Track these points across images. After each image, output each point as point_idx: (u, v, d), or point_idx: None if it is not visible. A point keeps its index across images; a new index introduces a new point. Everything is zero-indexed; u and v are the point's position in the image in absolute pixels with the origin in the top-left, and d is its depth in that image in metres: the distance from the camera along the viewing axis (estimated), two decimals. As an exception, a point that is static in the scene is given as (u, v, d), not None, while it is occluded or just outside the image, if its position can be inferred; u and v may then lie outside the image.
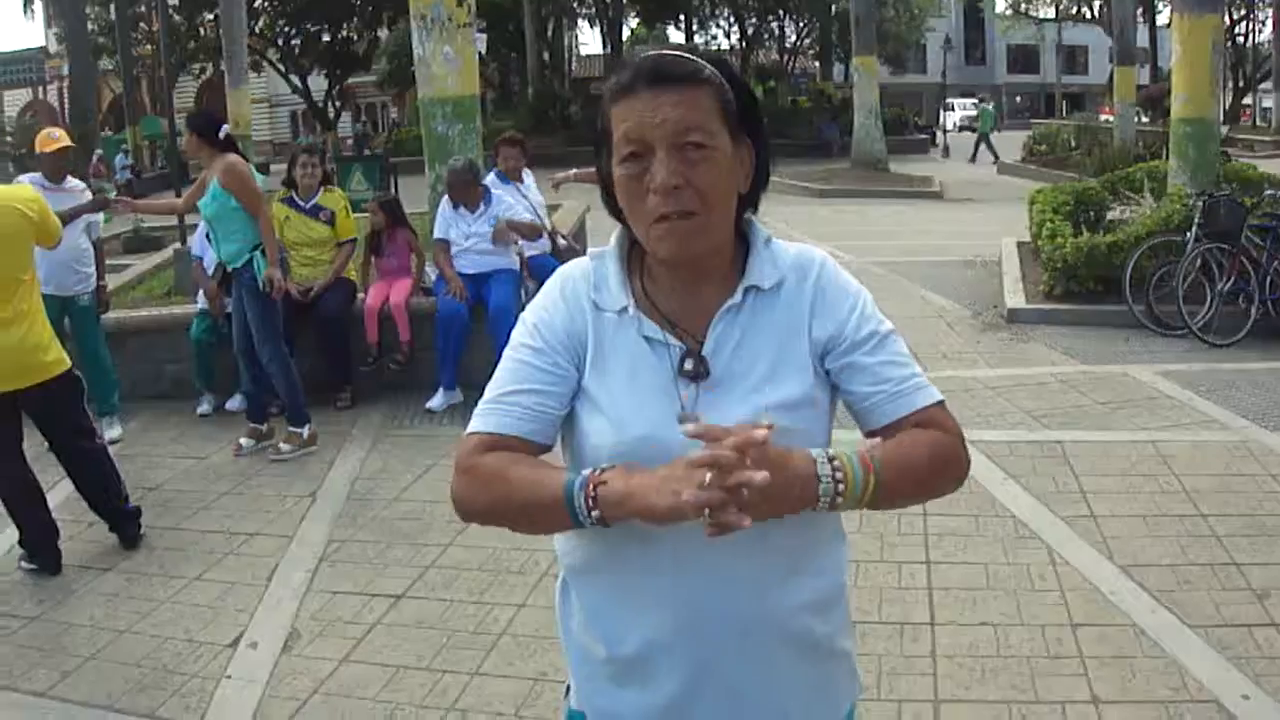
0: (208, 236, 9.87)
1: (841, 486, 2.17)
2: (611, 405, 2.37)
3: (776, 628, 2.44)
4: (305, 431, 9.52)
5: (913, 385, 2.42)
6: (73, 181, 10.08)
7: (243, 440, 9.62)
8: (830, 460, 2.19)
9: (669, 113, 2.23)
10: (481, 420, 2.40)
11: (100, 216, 10.55)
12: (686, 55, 2.32)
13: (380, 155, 25.80)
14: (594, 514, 2.17)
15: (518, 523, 2.33)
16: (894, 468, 2.25)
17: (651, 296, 2.44)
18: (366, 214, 11.84)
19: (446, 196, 11.00)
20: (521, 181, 11.85)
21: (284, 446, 9.45)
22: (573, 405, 2.43)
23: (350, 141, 51.76)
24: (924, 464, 2.32)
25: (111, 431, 10.07)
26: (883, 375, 2.42)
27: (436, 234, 10.99)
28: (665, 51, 2.29)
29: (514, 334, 2.48)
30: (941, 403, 2.45)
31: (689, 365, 2.36)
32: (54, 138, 9.80)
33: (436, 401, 10.39)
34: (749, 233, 2.48)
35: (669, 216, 2.25)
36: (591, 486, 2.18)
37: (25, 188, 7.99)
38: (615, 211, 2.42)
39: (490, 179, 11.44)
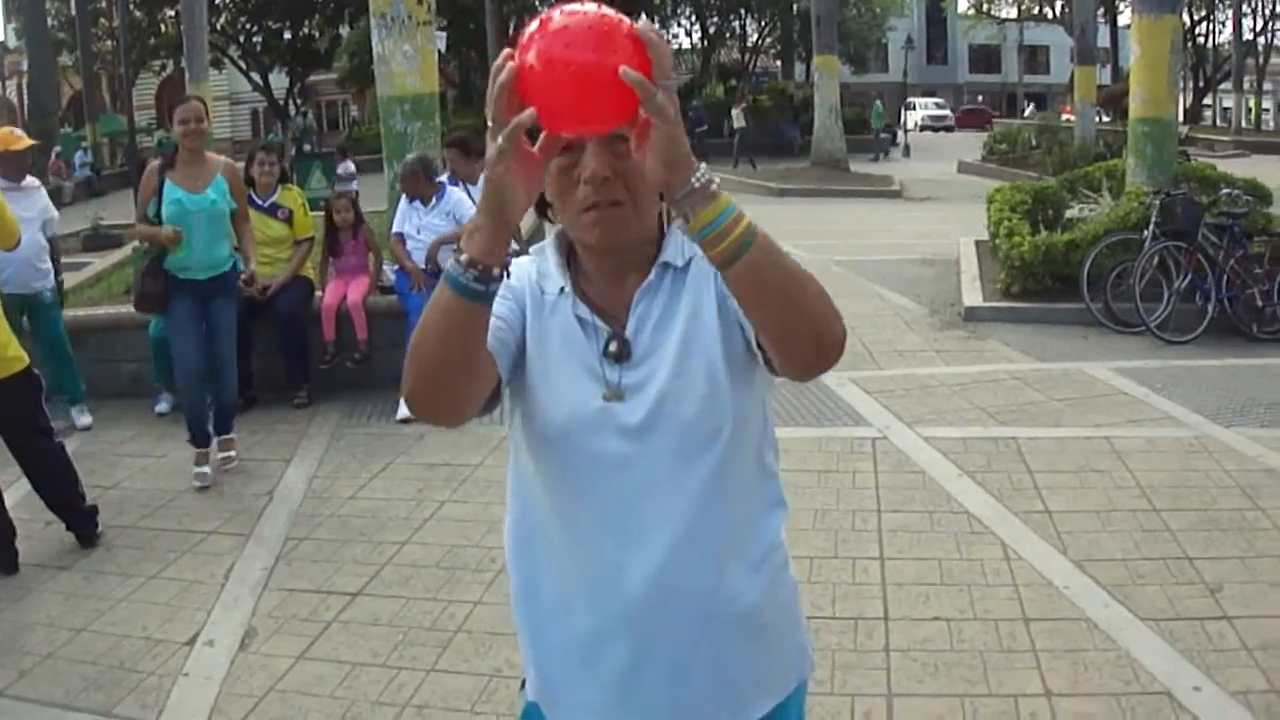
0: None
1: (714, 190, 2.10)
2: (545, 379, 2.47)
3: (720, 601, 2.50)
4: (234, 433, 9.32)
5: None
6: (30, 180, 10.06)
7: (206, 469, 8.82)
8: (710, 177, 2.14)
9: None
10: None
11: (56, 214, 10.52)
12: None
13: (340, 153, 25.77)
14: (463, 259, 2.14)
15: (437, 346, 2.23)
16: (769, 241, 2.17)
17: (582, 288, 2.52)
18: (322, 213, 11.76)
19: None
20: (475, 182, 11.74)
21: (233, 454, 9.17)
22: (515, 379, 2.50)
23: (292, 137, 50.89)
24: (801, 269, 2.24)
25: (83, 419, 10.28)
26: None
27: (394, 228, 11.00)
28: None
29: None
30: None
31: (613, 347, 2.46)
32: (18, 135, 9.79)
33: (408, 410, 10.17)
34: (668, 227, 2.55)
35: (598, 205, 2.34)
36: (455, 252, 2.19)
37: None
38: (542, 210, 2.51)
39: (445, 179, 11.40)
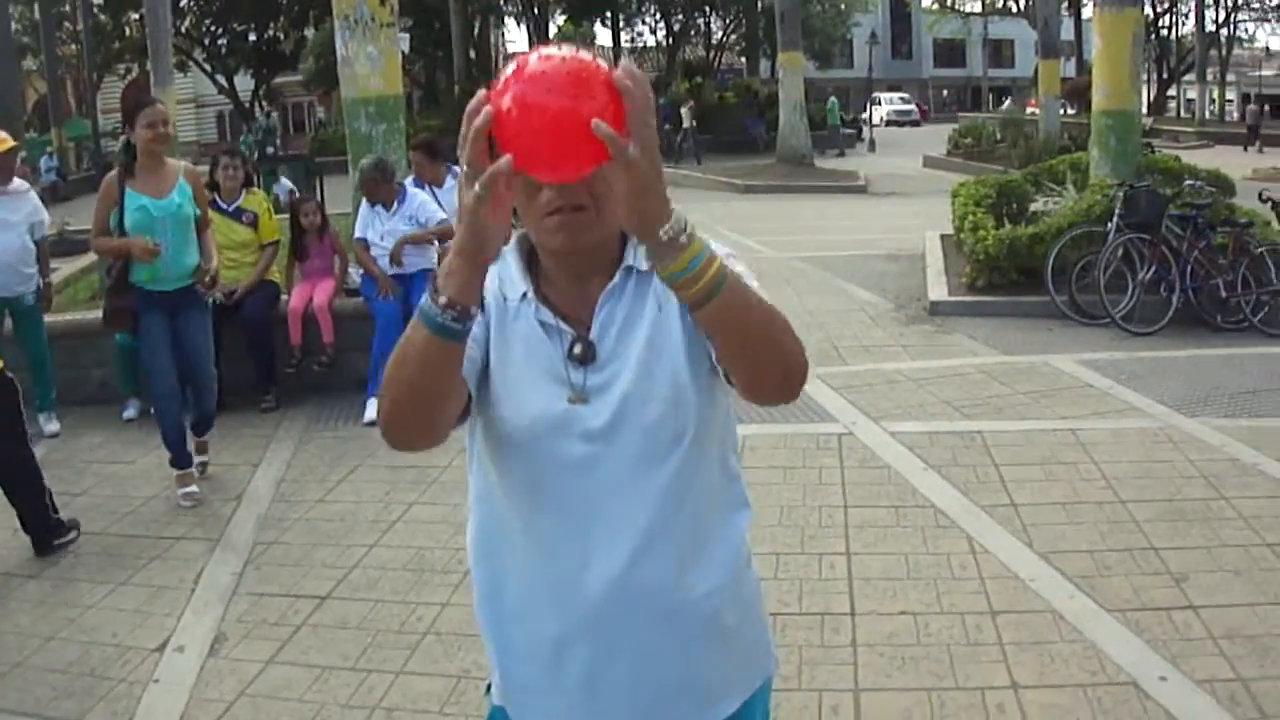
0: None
1: (686, 237, 2.09)
2: (509, 387, 2.47)
3: (683, 602, 2.52)
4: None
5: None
6: (18, 182, 10.05)
7: (194, 489, 8.55)
8: (686, 221, 2.12)
9: None
10: None
11: (45, 216, 10.49)
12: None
13: (306, 156, 25.71)
14: (441, 300, 2.15)
15: (412, 380, 2.25)
16: (740, 283, 2.19)
17: (545, 291, 2.52)
18: (286, 216, 11.72)
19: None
20: (441, 184, 11.70)
21: (206, 458, 9.07)
22: (479, 389, 2.50)
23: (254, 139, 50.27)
24: (766, 306, 2.26)
25: (50, 425, 10.25)
26: None
27: (356, 233, 10.89)
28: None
29: None
30: None
31: (578, 350, 2.46)
32: (1, 138, 9.76)
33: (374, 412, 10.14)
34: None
35: (561, 210, 2.34)
36: (431, 291, 2.18)
37: None
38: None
39: (409, 181, 11.36)
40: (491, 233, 2.11)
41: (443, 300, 2.14)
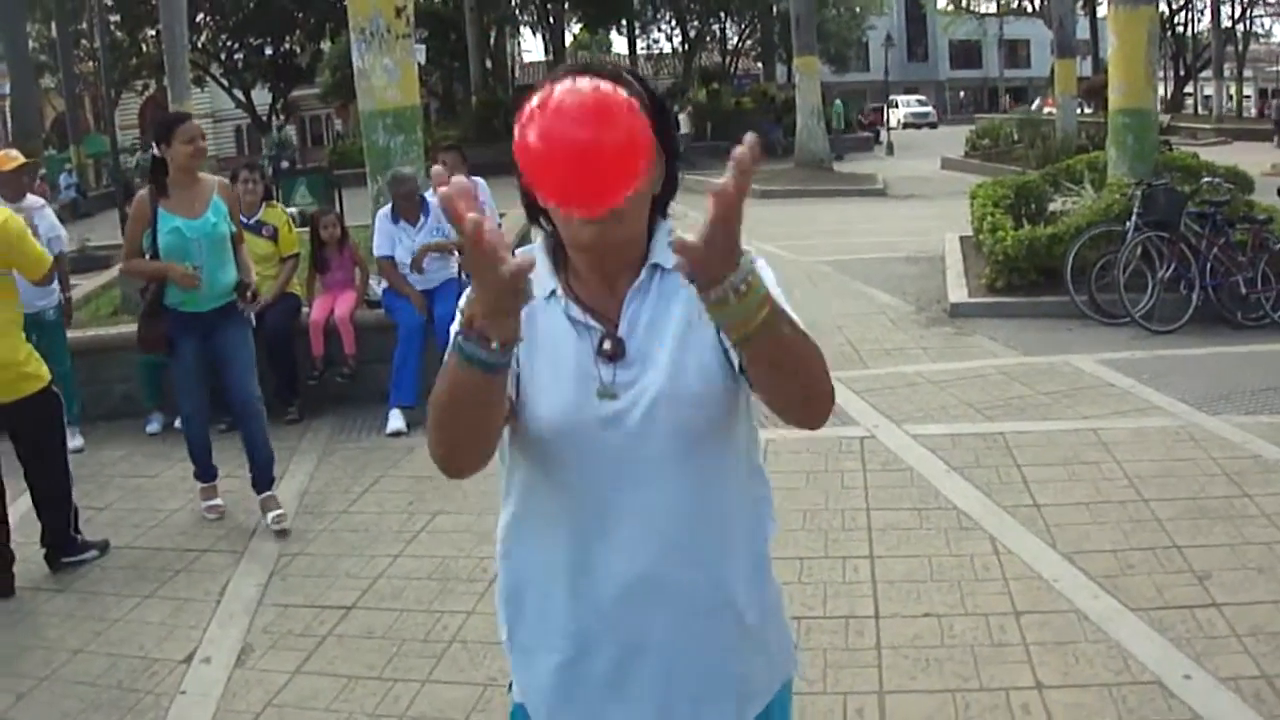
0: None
1: (745, 286, 2.07)
2: (540, 385, 2.47)
3: (710, 601, 2.54)
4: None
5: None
6: (31, 199, 10.11)
7: (217, 502, 8.46)
8: (752, 264, 2.11)
9: None
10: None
11: (63, 231, 10.54)
12: (610, 63, 2.49)
13: (325, 169, 25.75)
14: (493, 345, 2.13)
15: (462, 418, 2.29)
16: (786, 318, 2.23)
17: (573, 288, 2.53)
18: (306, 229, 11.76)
19: (387, 210, 10.86)
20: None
21: (283, 510, 8.23)
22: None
23: (266, 154, 49.84)
24: (807, 341, 2.29)
25: (74, 441, 10.14)
26: None
27: (381, 251, 10.77)
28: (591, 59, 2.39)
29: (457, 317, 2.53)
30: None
31: (607, 346, 2.47)
32: (11, 156, 9.80)
33: (399, 423, 10.15)
34: (656, 228, 2.57)
35: None
36: (465, 323, 2.16)
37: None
38: (529, 207, 2.54)
39: (429, 194, 11.35)
40: (509, 295, 2.07)
41: (494, 345, 2.12)
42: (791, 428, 2.53)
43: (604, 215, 2.17)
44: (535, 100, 2.06)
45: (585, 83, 2.07)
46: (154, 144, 8.03)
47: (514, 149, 2.05)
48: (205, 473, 8.49)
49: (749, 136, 1.99)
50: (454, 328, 2.21)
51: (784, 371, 2.29)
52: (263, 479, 8.29)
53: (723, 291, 2.06)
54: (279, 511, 8.17)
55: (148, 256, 7.93)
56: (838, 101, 53.73)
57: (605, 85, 2.07)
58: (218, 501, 8.47)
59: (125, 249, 8.25)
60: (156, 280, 7.96)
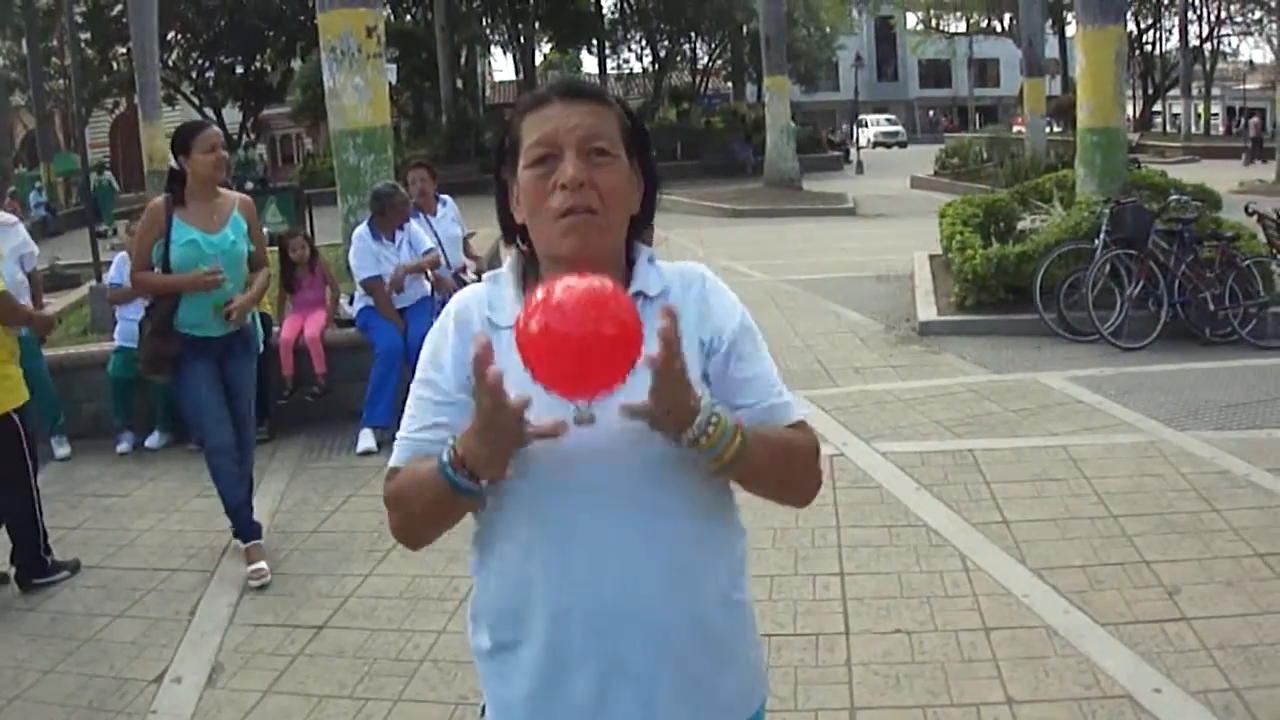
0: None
1: (712, 428, 2.28)
2: None
3: (685, 625, 2.53)
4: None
5: (784, 402, 2.58)
6: (4, 217, 10.12)
7: (261, 566, 7.50)
8: (712, 406, 2.32)
9: (580, 120, 2.46)
10: (396, 455, 2.63)
11: (34, 248, 10.52)
12: (594, 83, 2.61)
13: (295, 188, 25.67)
14: (466, 474, 2.33)
15: (434, 522, 2.54)
16: (762, 441, 2.39)
17: None
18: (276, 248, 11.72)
19: (366, 228, 10.68)
20: (434, 212, 11.65)
21: (263, 566, 7.53)
22: None
23: (232, 173, 49.21)
24: (789, 451, 2.48)
25: (61, 450, 10.41)
26: (757, 389, 2.55)
27: (367, 273, 10.52)
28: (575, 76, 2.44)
29: (418, 367, 2.64)
30: (804, 420, 2.60)
31: None
32: None
33: (370, 442, 10.16)
34: (634, 252, 2.61)
35: (574, 210, 2.41)
36: (455, 456, 2.34)
37: None
38: (506, 225, 2.62)
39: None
40: (514, 432, 2.25)
41: (466, 474, 2.34)
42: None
43: (601, 395, 2.23)
44: (540, 293, 2.16)
45: (578, 282, 2.16)
46: (172, 155, 7.63)
47: (516, 336, 2.19)
48: (246, 529, 7.72)
49: (670, 309, 2.21)
50: (444, 456, 2.37)
51: (768, 484, 2.52)
52: (249, 523, 7.75)
53: (693, 436, 2.29)
54: (262, 565, 7.51)
55: (157, 269, 7.46)
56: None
57: (601, 282, 2.16)
58: (262, 565, 7.53)
59: (135, 261, 7.70)
60: (168, 295, 7.42)
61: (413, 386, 2.62)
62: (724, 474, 2.38)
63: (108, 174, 35.55)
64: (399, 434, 2.61)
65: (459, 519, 2.52)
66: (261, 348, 8.04)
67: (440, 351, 2.59)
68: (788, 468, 2.48)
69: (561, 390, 2.17)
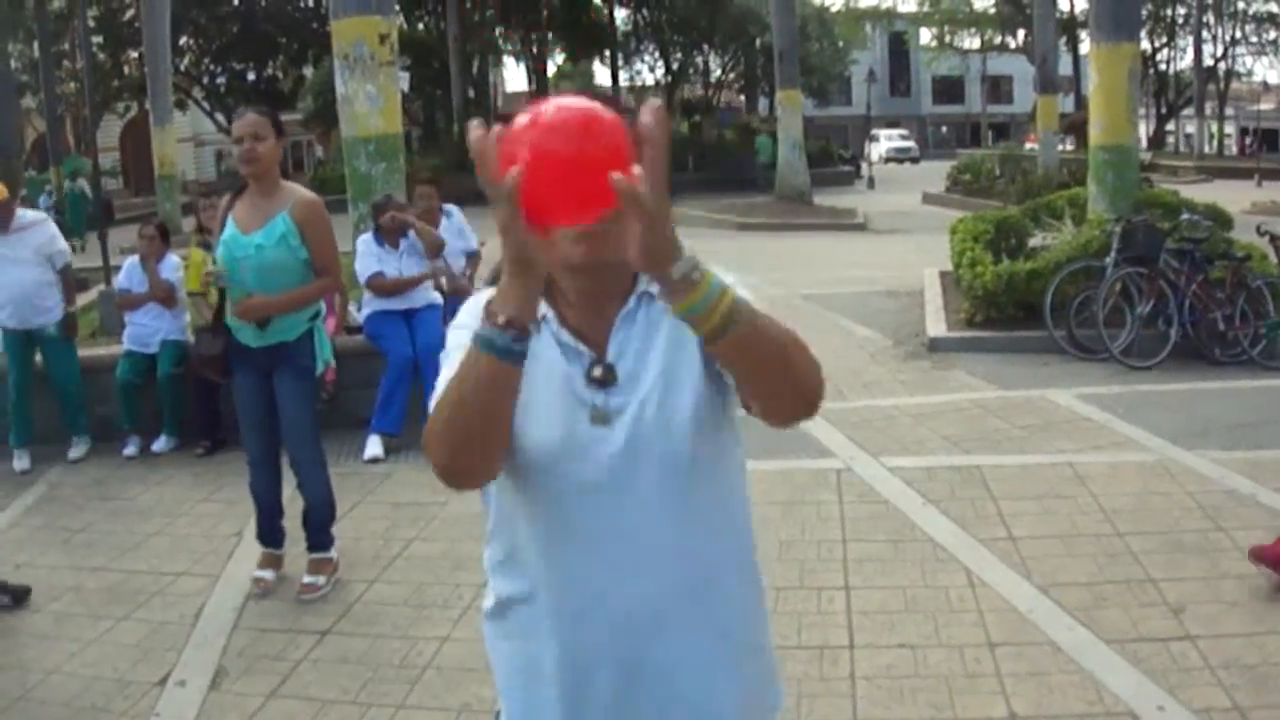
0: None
1: (697, 274, 2.15)
2: (530, 411, 2.44)
3: (703, 631, 2.53)
4: (335, 553, 7.61)
5: None
6: (32, 215, 10.51)
7: (265, 574, 7.46)
8: (697, 263, 2.19)
9: None
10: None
11: (64, 246, 10.56)
12: (605, 93, 2.51)
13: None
14: (500, 320, 2.17)
15: (480, 414, 2.28)
16: (751, 310, 2.25)
17: (562, 314, 2.53)
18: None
19: (369, 235, 10.82)
20: (437, 226, 11.61)
21: (319, 580, 7.34)
22: None
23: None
24: (779, 328, 2.33)
25: (73, 451, 10.49)
26: None
27: (370, 271, 10.64)
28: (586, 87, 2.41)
29: (449, 339, 2.55)
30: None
31: (597, 372, 2.48)
32: None
33: (377, 449, 10.18)
34: None
35: None
36: (486, 320, 2.20)
37: None
38: None
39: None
40: (534, 246, 2.14)
41: (501, 320, 2.17)
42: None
43: (594, 223, 2.16)
44: (525, 117, 2.09)
45: (572, 101, 2.10)
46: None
47: (502, 149, 2.07)
48: (268, 536, 7.60)
49: (654, 103, 2.10)
50: (478, 329, 2.23)
51: (762, 366, 2.32)
52: (313, 535, 7.51)
53: (681, 272, 2.13)
54: (320, 579, 7.34)
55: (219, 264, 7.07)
56: (761, 137, 52.47)
57: (593, 105, 2.10)
58: (268, 574, 7.46)
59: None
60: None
61: (448, 353, 2.51)
62: (718, 343, 2.21)
63: (81, 181, 34.62)
64: (436, 392, 2.43)
65: (501, 407, 2.30)
66: (321, 366, 7.41)
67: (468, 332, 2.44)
68: (783, 347, 2.33)
69: (555, 216, 2.12)
